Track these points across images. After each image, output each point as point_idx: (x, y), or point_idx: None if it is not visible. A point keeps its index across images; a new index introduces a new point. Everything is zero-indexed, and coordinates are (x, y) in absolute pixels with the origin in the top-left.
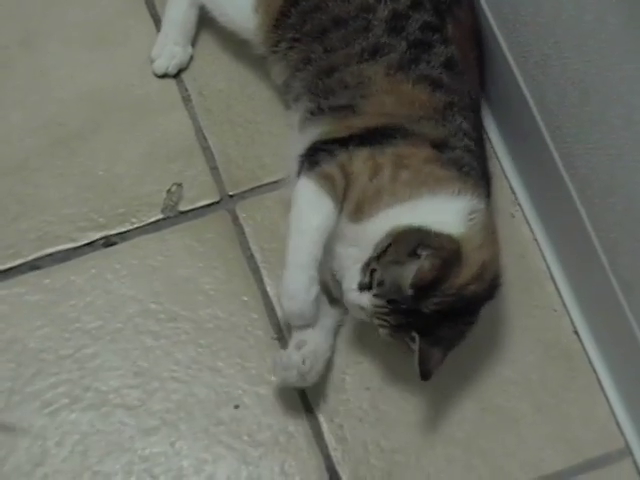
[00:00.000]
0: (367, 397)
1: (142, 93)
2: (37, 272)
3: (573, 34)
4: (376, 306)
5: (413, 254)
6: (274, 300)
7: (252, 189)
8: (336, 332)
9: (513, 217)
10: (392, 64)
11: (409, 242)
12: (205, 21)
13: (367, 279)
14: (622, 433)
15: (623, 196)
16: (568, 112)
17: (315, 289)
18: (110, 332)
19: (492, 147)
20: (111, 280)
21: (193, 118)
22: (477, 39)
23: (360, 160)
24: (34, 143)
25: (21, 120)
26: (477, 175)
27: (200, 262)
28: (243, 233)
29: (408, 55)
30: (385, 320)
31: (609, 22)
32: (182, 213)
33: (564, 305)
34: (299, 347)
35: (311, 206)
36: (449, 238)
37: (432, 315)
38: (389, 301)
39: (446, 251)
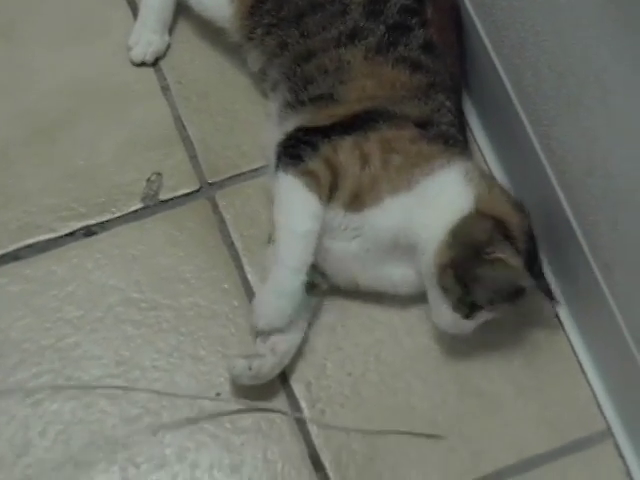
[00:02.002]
0: (349, 383)
1: (121, 82)
2: (18, 262)
3: (549, 17)
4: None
5: (479, 257)
6: (255, 287)
7: (232, 177)
8: (309, 321)
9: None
10: (370, 47)
11: (467, 257)
12: (183, 9)
13: (467, 309)
14: (603, 415)
15: (601, 177)
16: (545, 95)
17: (302, 294)
18: (91, 321)
19: (470, 131)
20: (92, 270)
21: (172, 107)
22: (456, 21)
23: (346, 151)
24: (14, 133)
25: (0, 110)
26: (462, 145)
27: (181, 251)
28: (223, 221)
29: (386, 38)
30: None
31: (585, 5)
32: (162, 202)
33: None
34: (264, 340)
35: (299, 207)
36: (477, 217)
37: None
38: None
39: (494, 229)
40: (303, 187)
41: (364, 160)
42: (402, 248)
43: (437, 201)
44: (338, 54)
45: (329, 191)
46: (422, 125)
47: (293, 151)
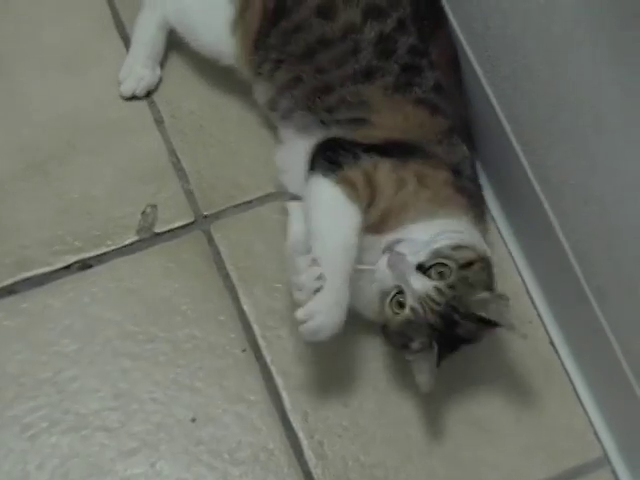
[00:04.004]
0: (346, 413)
1: (115, 115)
2: (14, 297)
3: (541, 47)
4: (431, 298)
5: (487, 289)
6: (250, 318)
7: (226, 209)
8: None
9: (487, 231)
10: (388, 86)
11: (489, 276)
12: (177, 43)
13: (430, 264)
14: (600, 442)
15: (596, 206)
16: (539, 124)
17: (347, 303)
18: (88, 355)
19: None
20: (88, 303)
21: (166, 140)
22: (457, 62)
23: (385, 171)
24: (8, 167)
25: None
26: (479, 205)
27: (176, 283)
28: (218, 253)
29: (402, 78)
30: (424, 312)
31: (577, 34)
32: (157, 234)
33: (539, 316)
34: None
35: (343, 220)
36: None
37: (456, 336)
38: (448, 305)
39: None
40: (345, 198)
41: (400, 184)
42: None
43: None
44: (357, 89)
45: (366, 206)
46: (453, 172)
47: (332, 156)
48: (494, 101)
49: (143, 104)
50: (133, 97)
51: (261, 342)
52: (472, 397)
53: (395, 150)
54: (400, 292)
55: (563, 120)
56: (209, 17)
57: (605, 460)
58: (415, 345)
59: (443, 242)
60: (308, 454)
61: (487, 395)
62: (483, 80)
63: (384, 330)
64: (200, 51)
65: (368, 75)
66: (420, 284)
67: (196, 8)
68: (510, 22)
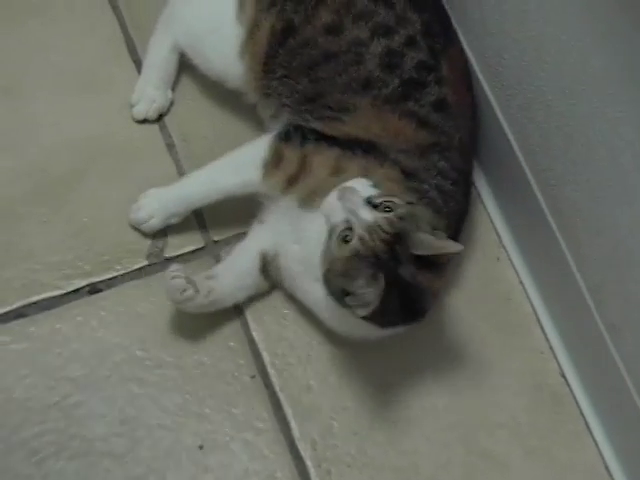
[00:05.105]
0: (355, 442)
1: (126, 139)
2: (23, 320)
3: (557, 78)
4: (381, 227)
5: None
6: (260, 345)
7: (236, 235)
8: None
9: (498, 260)
10: (379, 97)
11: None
12: (187, 67)
13: (379, 201)
14: (610, 476)
15: (609, 238)
16: (552, 155)
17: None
18: (96, 380)
19: (476, 190)
20: (97, 327)
21: (177, 164)
22: (470, 81)
23: (326, 157)
24: (19, 190)
25: (6, 167)
26: (436, 211)
27: None
28: None
29: (399, 91)
30: (372, 242)
31: (592, 66)
32: (167, 259)
33: (551, 348)
34: (208, 277)
35: (242, 163)
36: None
37: (398, 280)
38: (395, 234)
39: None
40: (260, 162)
41: (336, 171)
42: None
43: None
44: (344, 98)
45: (287, 181)
46: (406, 174)
47: (288, 131)
48: (508, 131)
49: (154, 128)
50: (145, 120)
51: (270, 369)
52: (482, 429)
53: (353, 143)
54: (349, 228)
55: (577, 152)
56: (218, 39)
57: None
58: (360, 282)
59: None
60: None
61: (497, 427)
62: (497, 110)
63: (325, 277)
64: (208, 74)
65: (365, 86)
66: (369, 215)
67: (205, 30)
68: (524, 53)
